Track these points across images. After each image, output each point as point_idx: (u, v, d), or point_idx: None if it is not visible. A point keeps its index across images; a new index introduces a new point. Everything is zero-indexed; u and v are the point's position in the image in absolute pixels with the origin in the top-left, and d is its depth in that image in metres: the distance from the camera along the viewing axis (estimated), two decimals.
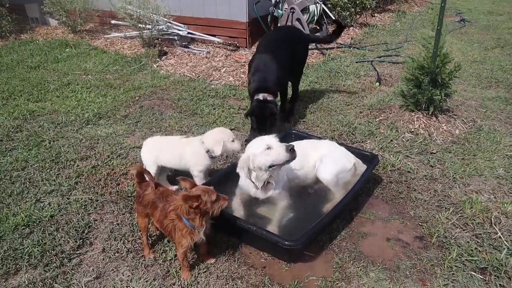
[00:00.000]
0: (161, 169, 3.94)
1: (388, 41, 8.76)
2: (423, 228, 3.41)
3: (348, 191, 3.38)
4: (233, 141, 3.64)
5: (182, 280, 2.90)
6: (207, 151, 3.64)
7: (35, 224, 3.53)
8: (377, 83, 6.27)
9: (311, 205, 3.52)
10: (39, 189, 4.00)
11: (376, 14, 10.81)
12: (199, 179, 3.73)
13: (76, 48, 8.45)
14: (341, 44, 8.11)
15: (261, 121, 4.52)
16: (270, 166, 3.25)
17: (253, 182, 3.37)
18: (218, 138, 3.60)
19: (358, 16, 9.48)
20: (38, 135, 5.01)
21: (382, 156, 4.42)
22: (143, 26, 8.01)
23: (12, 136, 5.01)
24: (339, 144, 3.95)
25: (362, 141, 4.74)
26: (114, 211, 3.70)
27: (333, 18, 8.73)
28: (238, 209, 3.47)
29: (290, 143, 3.24)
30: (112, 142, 4.86)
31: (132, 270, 3.04)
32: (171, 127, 5.16)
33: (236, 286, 2.86)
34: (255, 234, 2.94)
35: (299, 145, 3.79)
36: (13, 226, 3.49)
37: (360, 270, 2.98)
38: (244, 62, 7.27)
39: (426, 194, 3.85)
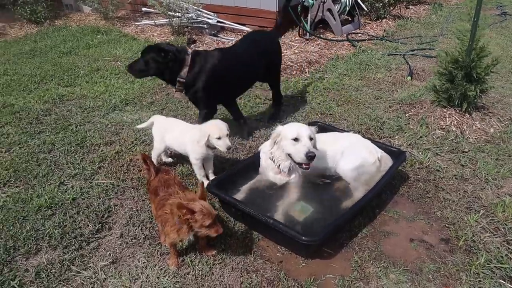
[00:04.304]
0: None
1: (423, 34, 8.43)
2: (449, 230, 3.26)
3: (372, 187, 3.26)
4: (219, 138, 3.50)
5: (196, 270, 2.88)
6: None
7: (57, 206, 3.59)
8: (409, 77, 6.05)
9: (331, 200, 3.41)
10: (63, 172, 4.06)
11: (411, 6, 10.44)
12: (196, 168, 3.79)
13: (107, 34, 8.54)
14: (373, 36, 7.87)
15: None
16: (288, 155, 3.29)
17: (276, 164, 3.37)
18: (204, 131, 3.53)
19: (392, 8, 9.17)
20: (66, 119, 5.10)
21: (410, 152, 4.25)
22: (173, 13, 8.01)
23: (41, 119, 5.11)
24: (364, 137, 3.83)
25: (390, 137, 4.58)
26: (134, 197, 3.71)
27: (365, 9, 8.49)
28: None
29: (312, 151, 3.12)
30: (136, 128, 4.87)
31: (148, 257, 3.04)
32: (196, 115, 5.13)
33: (251, 279, 2.81)
34: (272, 227, 2.87)
35: (320, 136, 3.70)
36: (37, 208, 3.56)
37: (380, 270, 2.87)
38: None
39: (455, 194, 3.67)
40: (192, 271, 2.88)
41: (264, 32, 4.94)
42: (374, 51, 7.16)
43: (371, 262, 2.95)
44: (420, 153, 4.27)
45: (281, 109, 5.13)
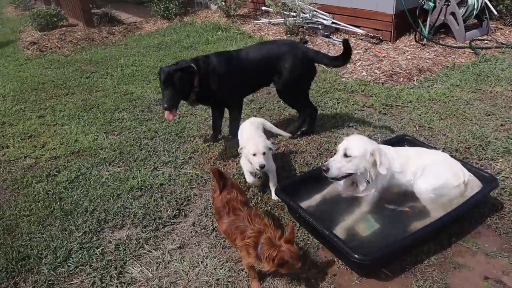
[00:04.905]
0: None
1: None
2: None
3: (447, 212, 2.99)
4: (254, 155, 3.46)
5: None
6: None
7: (146, 189, 4.02)
8: None
9: (402, 220, 3.21)
10: (159, 159, 4.51)
11: None
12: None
13: (227, 31, 9.07)
14: (502, 43, 7.01)
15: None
16: None
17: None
18: (243, 145, 3.58)
19: None
20: None
21: None
22: (287, 13, 8.17)
23: (151, 108, 5.71)
24: (457, 157, 3.51)
25: (493, 159, 4.09)
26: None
27: (495, 13, 7.58)
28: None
29: (325, 165, 3.17)
30: None
31: (211, 248, 3.24)
32: (291, 116, 5.23)
33: (299, 287, 2.83)
34: (327, 239, 2.84)
35: (402, 150, 3.51)
36: (130, 188, 4.04)
37: None
38: (383, 57, 6.88)
39: None
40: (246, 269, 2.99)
41: (284, 44, 4.50)
42: (500, 61, 6.39)
43: None
44: None
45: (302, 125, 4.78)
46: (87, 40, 9.32)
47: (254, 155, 3.45)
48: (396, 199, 3.39)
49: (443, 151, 3.66)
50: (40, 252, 3.37)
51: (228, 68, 4.26)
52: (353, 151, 3.13)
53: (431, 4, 6.83)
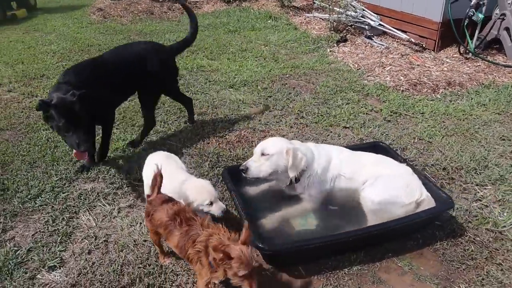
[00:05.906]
0: None
1: None
2: None
3: (370, 226, 2.89)
4: (210, 204, 2.85)
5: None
6: None
7: (124, 151, 4.30)
8: None
9: (340, 225, 3.14)
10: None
11: None
12: None
13: (275, 21, 9.10)
14: None
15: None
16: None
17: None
18: (192, 196, 2.87)
19: None
20: (188, 86, 5.85)
21: (491, 210, 3.47)
22: (331, 8, 8.02)
23: None
24: (415, 172, 3.32)
25: (480, 185, 3.78)
26: (185, 162, 4.07)
27: None
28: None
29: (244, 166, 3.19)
30: (234, 107, 5.26)
31: None
32: (292, 109, 5.20)
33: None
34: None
35: (360, 156, 3.39)
36: (115, 148, 4.37)
37: None
38: (418, 65, 6.52)
39: (510, 274, 2.89)
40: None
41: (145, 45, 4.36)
42: None
43: None
44: (505, 213, 3.45)
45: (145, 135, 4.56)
46: (147, 13, 9.85)
47: (211, 204, 2.87)
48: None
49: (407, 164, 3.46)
50: (18, 187, 3.79)
51: (95, 78, 3.80)
52: (269, 149, 3.16)
53: (481, 16, 6.31)
